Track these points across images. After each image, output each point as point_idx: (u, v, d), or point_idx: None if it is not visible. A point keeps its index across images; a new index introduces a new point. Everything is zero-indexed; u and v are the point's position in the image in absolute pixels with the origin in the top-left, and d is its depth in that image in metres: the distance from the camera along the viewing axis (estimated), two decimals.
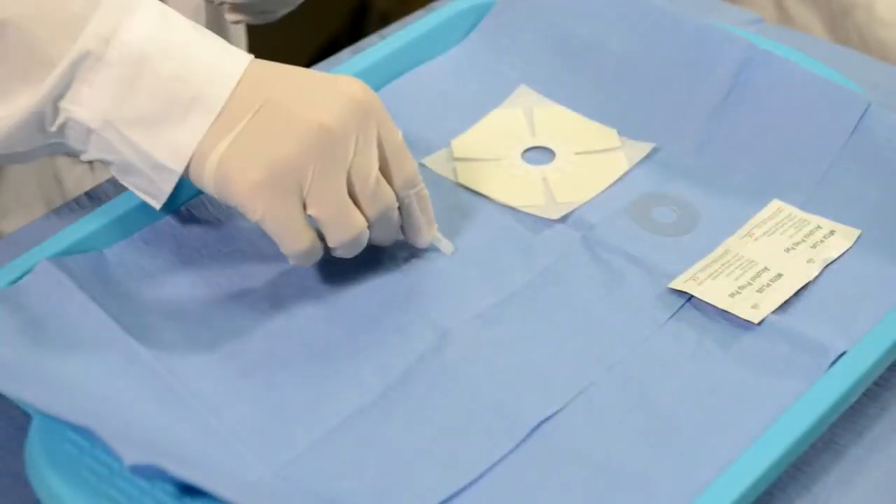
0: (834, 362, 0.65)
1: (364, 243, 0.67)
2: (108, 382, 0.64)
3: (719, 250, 0.72)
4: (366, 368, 0.66)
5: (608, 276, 0.71)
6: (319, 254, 0.67)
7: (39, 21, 0.63)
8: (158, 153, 0.64)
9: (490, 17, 0.84)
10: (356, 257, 0.71)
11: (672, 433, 0.63)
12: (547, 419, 0.63)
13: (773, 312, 0.68)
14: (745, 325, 0.68)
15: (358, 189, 0.65)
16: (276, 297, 0.69)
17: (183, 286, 0.69)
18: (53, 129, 0.65)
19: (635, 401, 0.64)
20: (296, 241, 0.65)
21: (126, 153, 0.65)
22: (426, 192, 0.69)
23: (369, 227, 0.67)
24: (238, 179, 0.63)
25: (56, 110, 0.64)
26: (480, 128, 0.80)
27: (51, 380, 0.63)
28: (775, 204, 0.74)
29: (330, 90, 0.65)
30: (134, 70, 0.63)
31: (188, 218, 0.72)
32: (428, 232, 0.70)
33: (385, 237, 0.69)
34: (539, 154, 0.78)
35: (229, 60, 0.65)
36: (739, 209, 0.74)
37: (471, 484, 0.61)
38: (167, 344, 0.66)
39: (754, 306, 0.68)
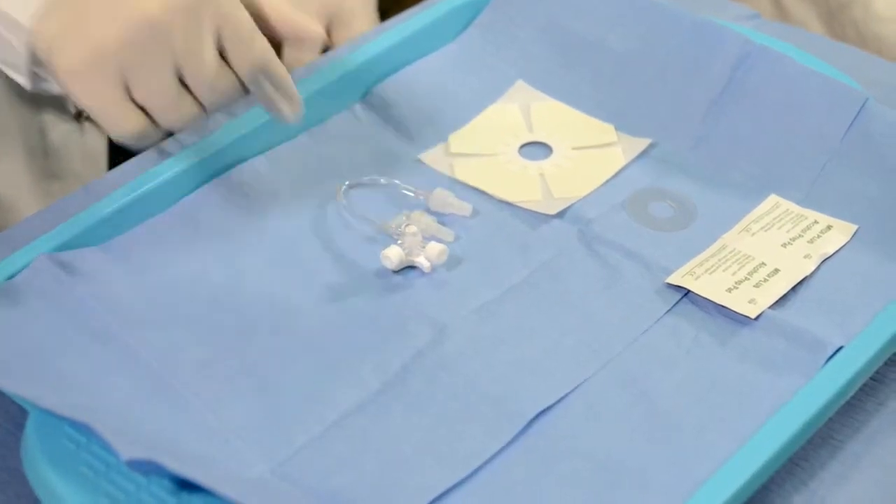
0: (831, 357, 0.65)
1: (202, 123, 0.67)
2: (105, 378, 0.64)
3: (716, 245, 0.72)
4: (363, 365, 0.66)
5: (605, 271, 0.71)
6: (154, 136, 0.66)
7: None
8: (12, 9, 0.64)
9: (487, 13, 0.84)
10: (355, 253, 0.71)
11: (669, 428, 0.63)
12: (544, 413, 0.63)
13: (770, 307, 0.68)
14: (743, 320, 0.68)
15: (189, 78, 0.64)
16: (274, 295, 0.69)
17: (180, 282, 0.69)
18: None
19: (633, 396, 0.64)
20: (117, 126, 0.64)
21: None
22: (281, 69, 0.68)
23: (206, 110, 0.66)
24: (59, 64, 0.63)
25: None
26: (477, 123, 0.80)
27: (48, 375, 0.63)
28: (772, 199, 0.74)
29: None
30: None
31: (184, 215, 0.72)
32: (289, 108, 0.69)
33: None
34: (536, 149, 0.78)
35: None
36: (736, 204, 0.74)
37: (469, 478, 0.61)
38: (165, 340, 0.66)
39: (751, 301, 0.68)
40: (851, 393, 0.64)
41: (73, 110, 0.91)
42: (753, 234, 0.72)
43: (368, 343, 0.67)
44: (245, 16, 0.65)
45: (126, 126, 0.64)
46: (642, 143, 0.78)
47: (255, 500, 0.57)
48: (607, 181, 0.76)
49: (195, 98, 0.65)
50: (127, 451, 0.58)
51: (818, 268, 0.70)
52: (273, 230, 0.72)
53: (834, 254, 0.71)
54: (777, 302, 0.68)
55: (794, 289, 0.69)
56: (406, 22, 0.83)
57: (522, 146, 0.78)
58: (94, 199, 0.72)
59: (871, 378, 0.66)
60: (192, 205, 0.73)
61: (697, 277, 0.69)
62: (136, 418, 0.62)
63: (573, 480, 0.61)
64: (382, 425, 0.63)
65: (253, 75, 0.66)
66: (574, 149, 0.78)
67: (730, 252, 0.71)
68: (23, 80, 0.67)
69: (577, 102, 0.80)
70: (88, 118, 0.93)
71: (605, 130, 0.79)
